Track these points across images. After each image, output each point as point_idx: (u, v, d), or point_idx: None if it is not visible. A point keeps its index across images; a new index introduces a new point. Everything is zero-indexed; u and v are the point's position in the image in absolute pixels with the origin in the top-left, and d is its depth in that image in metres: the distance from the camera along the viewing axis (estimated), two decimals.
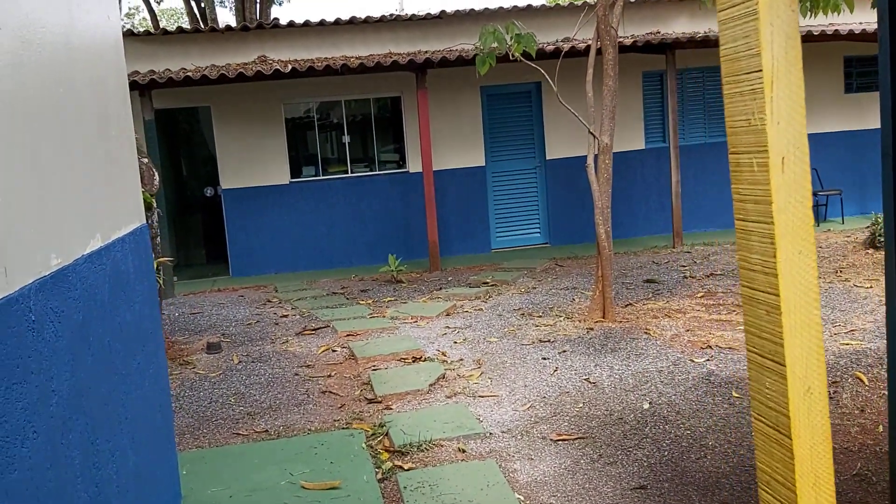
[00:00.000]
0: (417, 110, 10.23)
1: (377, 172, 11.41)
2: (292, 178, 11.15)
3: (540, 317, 7.28)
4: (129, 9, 35.66)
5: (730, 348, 5.80)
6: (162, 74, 9.53)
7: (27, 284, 2.03)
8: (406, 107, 11.29)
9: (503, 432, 4.57)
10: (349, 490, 3.92)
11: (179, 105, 11.13)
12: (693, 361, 5.56)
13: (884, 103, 2.78)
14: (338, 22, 10.86)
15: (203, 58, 10.82)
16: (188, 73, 9.53)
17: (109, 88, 3.35)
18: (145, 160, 6.53)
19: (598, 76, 7.08)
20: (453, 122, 11.40)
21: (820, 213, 11.97)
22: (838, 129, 12.43)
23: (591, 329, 6.63)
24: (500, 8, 11.36)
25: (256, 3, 19.47)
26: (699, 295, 7.72)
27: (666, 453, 4.15)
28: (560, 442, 4.38)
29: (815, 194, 11.86)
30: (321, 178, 11.24)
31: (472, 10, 11.11)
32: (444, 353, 6.23)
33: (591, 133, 6.97)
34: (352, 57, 10.40)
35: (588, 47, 9.99)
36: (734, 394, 4.90)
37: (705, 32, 10.82)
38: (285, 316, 8.12)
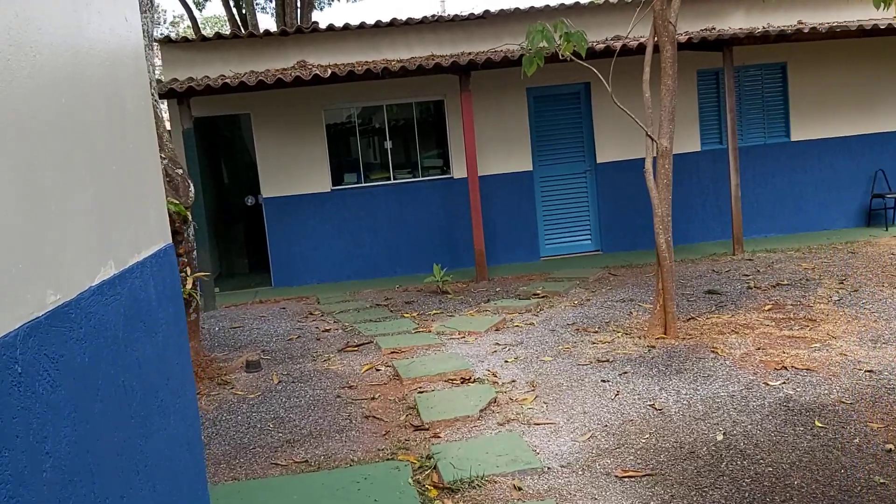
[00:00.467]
0: (461, 114, 9.86)
1: (420, 179, 11.07)
2: (334, 185, 10.87)
3: (596, 332, 6.84)
4: (174, 17, 36.05)
5: (807, 370, 5.30)
6: (200, 82, 9.32)
7: (11, 331, 1.70)
8: (449, 110, 10.93)
9: (562, 467, 4.16)
10: None
11: (219, 112, 10.93)
12: (767, 385, 5.08)
13: None
14: (378, 25, 10.56)
15: (242, 64, 10.62)
16: (226, 80, 9.31)
17: (127, 98, 3.04)
18: (180, 171, 6.27)
19: (654, 75, 6.63)
20: (498, 125, 11.01)
21: (888, 216, 11.29)
22: None
23: (653, 347, 6.17)
24: (547, 6, 10.94)
25: (297, 8, 19.35)
26: (766, 307, 7.20)
27: (747, 494, 3.70)
28: (626, 479, 3.96)
29: (882, 197, 11.21)
30: (363, 185, 10.94)
31: (517, 8, 10.72)
32: (494, 374, 5.84)
33: (649, 136, 6.52)
34: (393, 60, 10.09)
35: (641, 45, 9.56)
36: (817, 423, 4.41)
37: (764, 28, 10.26)
38: (327, 330, 7.81)
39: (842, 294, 7.45)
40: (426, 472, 4.21)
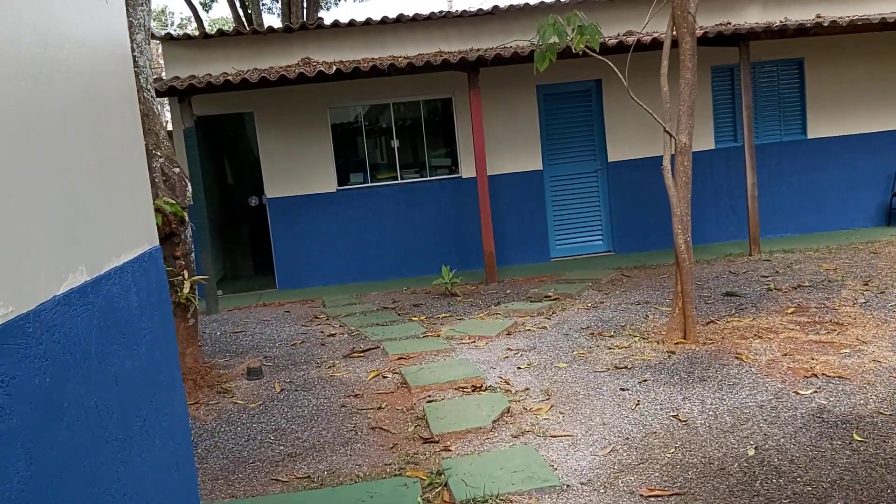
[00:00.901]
0: (470, 112, 9.58)
1: (428, 178, 10.80)
2: (340, 185, 10.60)
3: (612, 337, 6.55)
4: (182, 19, 35.90)
5: (839, 377, 5.00)
6: (201, 79, 9.07)
7: None
8: (458, 109, 10.66)
9: (582, 484, 3.87)
10: None
11: (222, 111, 10.67)
12: (798, 394, 4.78)
13: None
14: (384, 21, 10.28)
15: (245, 61, 10.36)
16: (228, 78, 9.05)
17: (108, 88, 2.77)
18: (177, 170, 6.01)
19: (671, 70, 6.34)
20: (508, 123, 10.73)
21: None
22: None
23: (673, 352, 5.87)
24: (557, 1, 10.64)
25: (303, 8, 19.12)
26: (789, 311, 6.89)
27: None
28: (652, 499, 3.67)
29: None
30: (370, 184, 10.68)
31: (527, 4, 10.43)
32: (507, 381, 5.55)
33: (668, 132, 6.22)
34: (399, 57, 9.81)
35: (655, 41, 9.25)
36: (856, 437, 4.11)
37: (781, 22, 9.94)
38: (332, 335, 7.54)
39: (868, 296, 7.13)
40: (436, 490, 3.93)
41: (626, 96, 10.64)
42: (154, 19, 32.99)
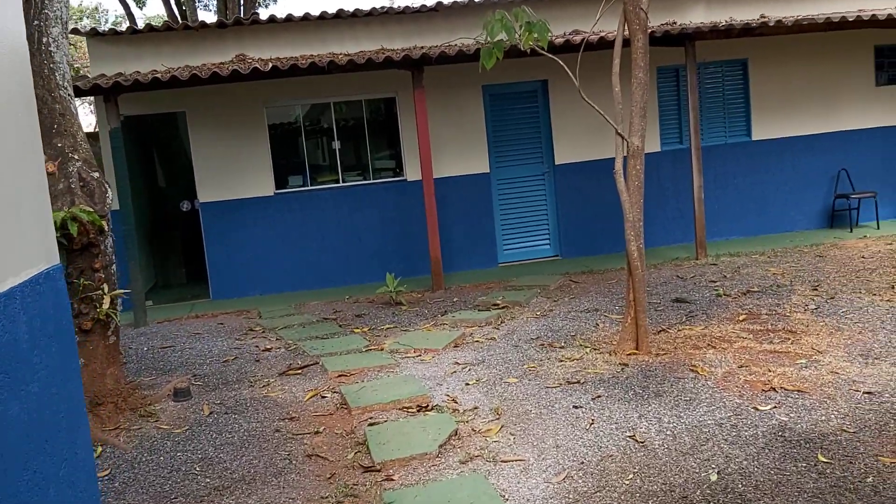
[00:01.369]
0: (414, 112, 9.24)
1: (371, 181, 10.42)
2: (277, 189, 10.15)
3: (562, 348, 6.28)
4: (117, 17, 34.69)
5: (798, 391, 4.81)
6: (128, 77, 8.53)
7: None
8: (402, 109, 10.30)
9: None
10: None
11: (153, 111, 10.12)
12: (757, 410, 4.57)
13: None
14: (323, 17, 9.87)
15: (176, 58, 9.83)
16: (157, 75, 8.53)
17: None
18: (96, 175, 5.53)
19: (622, 69, 6.10)
20: (454, 124, 10.42)
21: (852, 217, 11.01)
22: (869, 125, 11.47)
23: (626, 365, 5.63)
24: None
25: (240, 5, 18.54)
26: (741, 318, 6.73)
27: None
28: None
29: (846, 197, 10.94)
30: (309, 188, 10.24)
31: (472, 0, 10.12)
32: (454, 400, 5.23)
33: (619, 134, 5.98)
34: (340, 54, 9.41)
35: (602, 39, 9.05)
36: (821, 458, 3.91)
37: (727, 21, 9.85)
38: (268, 349, 7.11)
39: (818, 302, 7.03)
40: None
41: (573, 97, 10.45)
42: (87, 17, 31.78)
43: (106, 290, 5.43)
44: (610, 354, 5.94)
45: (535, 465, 4.13)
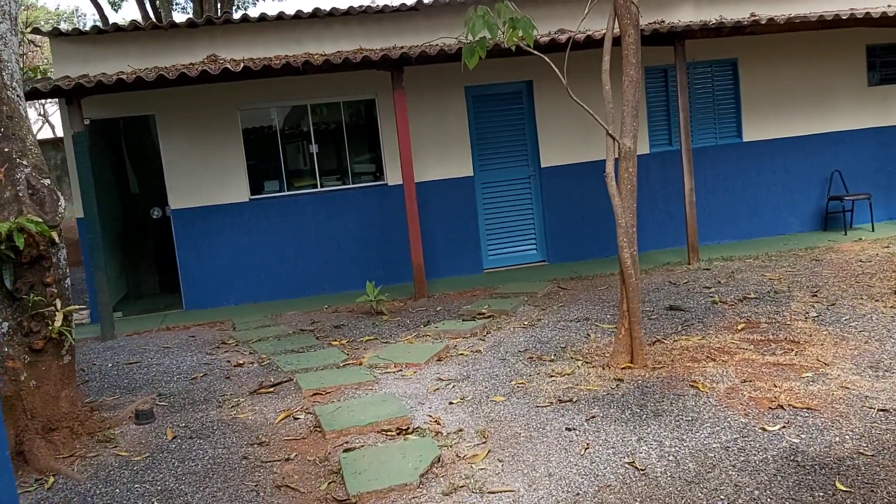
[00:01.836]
0: (395, 114, 8.87)
1: (351, 186, 10.03)
2: (252, 194, 9.74)
3: (552, 361, 5.91)
4: (95, 21, 34.13)
5: (808, 409, 4.46)
6: (91, 79, 8.10)
7: None
8: (382, 111, 9.92)
9: None
10: None
11: (121, 114, 9.69)
12: (765, 430, 4.22)
13: None
14: (299, 16, 9.47)
15: (145, 59, 9.40)
16: (122, 77, 8.11)
17: None
18: (47, 182, 5.11)
19: (612, 67, 5.76)
20: (436, 127, 10.05)
21: (846, 219, 10.73)
22: (861, 125, 11.21)
23: (621, 380, 5.27)
24: None
25: (217, 7, 18.11)
26: (739, 327, 6.39)
27: None
28: None
29: (839, 199, 10.67)
30: (286, 193, 9.84)
31: None
32: (437, 421, 4.84)
33: (610, 135, 5.63)
34: (316, 54, 9.02)
35: (589, 38, 8.73)
36: (839, 485, 3.55)
37: (717, 20, 9.54)
38: (240, 365, 6.70)
39: (819, 309, 6.71)
40: None
41: (558, 98, 10.14)
42: (64, 21, 31.20)
43: (59, 305, 5.01)
44: (603, 368, 5.58)
45: (525, 496, 3.75)
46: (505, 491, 3.82)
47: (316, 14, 9.47)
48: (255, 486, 4.18)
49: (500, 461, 4.17)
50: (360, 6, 9.58)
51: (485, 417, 4.82)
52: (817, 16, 9.11)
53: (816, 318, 6.42)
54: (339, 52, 9.15)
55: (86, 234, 8.54)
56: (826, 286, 7.54)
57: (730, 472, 3.77)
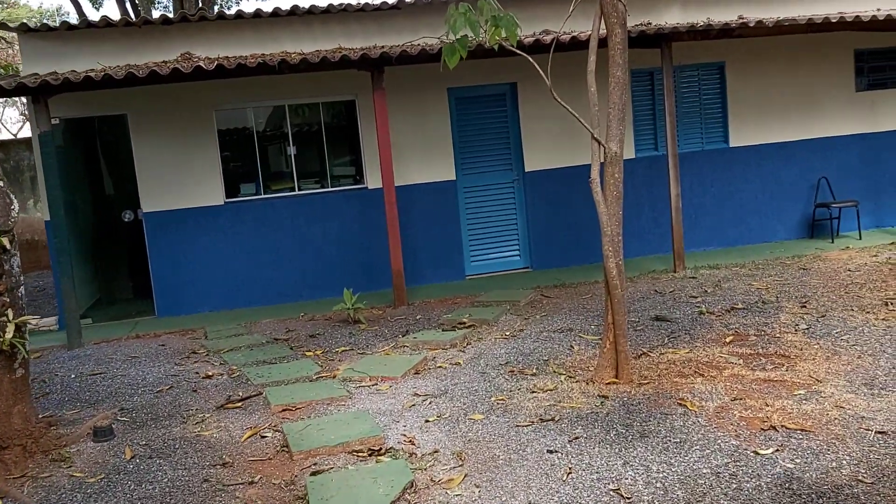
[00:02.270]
0: (375, 116, 8.61)
1: (330, 189, 9.75)
2: (228, 197, 9.44)
3: (534, 375, 5.67)
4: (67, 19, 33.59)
5: (802, 430, 4.24)
6: (59, 76, 7.79)
7: None
8: (362, 112, 9.66)
9: None
10: None
11: (92, 113, 9.38)
12: (758, 454, 3.99)
13: None
14: (277, 14, 9.19)
15: (118, 57, 9.09)
16: (90, 74, 7.80)
17: None
18: (0, 184, 4.81)
19: (597, 69, 5.53)
20: (417, 129, 9.79)
21: (833, 227, 10.57)
22: (849, 132, 11.06)
23: (605, 397, 5.03)
24: None
25: (199, 3, 17.77)
26: (728, 339, 6.18)
27: None
28: None
29: (826, 206, 10.51)
30: (263, 196, 9.55)
31: None
32: (411, 441, 4.59)
33: (596, 139, 5.40)
34: (293, 53, 8.74)
35: (574, 39, 8.51)
36: None
37: (705, 22, 9.34)
38: (209, 376, 6.41)
39: (809, 321, 6.51)
40: None
41: (543, 101, 9.85)
42: (47, 19, 30.71)
43: (11, 316, 4.72)
44: (587, 383, 5.35)
45: None
46: None
47: (294, 12, 9.19)
48: None
49: (478, 486, 3.92)
50: (341, 4, 9.31)
51: (462, 437, 4.57)
52: (806, 19, 8.93)
53: (807, 331, 6.22)
54: (317, 51, 8.87)
55: (53, 238, 8.22)
56: (815, 297, 7.35)
57: (721, 502, 3.54)
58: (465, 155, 10.06)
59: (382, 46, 8.83)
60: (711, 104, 10.80)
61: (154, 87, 8.68)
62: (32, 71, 8.82)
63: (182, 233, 9.27)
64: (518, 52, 5.50)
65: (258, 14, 9.14)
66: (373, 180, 9.65)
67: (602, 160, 5.46)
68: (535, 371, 5.78)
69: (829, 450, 3.97)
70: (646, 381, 5.29)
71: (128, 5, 19.51)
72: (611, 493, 3.72)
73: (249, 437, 4.91)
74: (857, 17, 8.96)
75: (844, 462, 3.82)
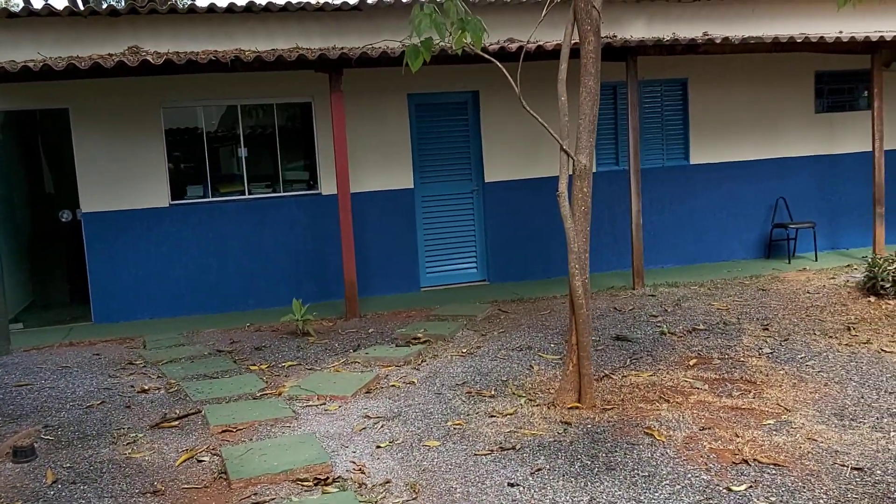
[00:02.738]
0: (332, 119, 8.27)
1: (282, 194, 9.37)
2: (173, 199, 8.98)
3: (493, 397, 5.39)
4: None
5: (774, 464, 4.03)
6: None
7: None
8: (318, 115, 9.30)
9: None
10: None
11: (32, 106, 8.86)
12: (731, 491, 3.77)
13: None
14: (231, 9, 8.79)
15: (62, 48, 8.57)
16: (28, 65, 7.31)
17: None
18: None
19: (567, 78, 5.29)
20: (375, 135, 9.47)
21: (790, 247, 10.55)
22: (808, 153, 11.07)
23: (568, 424, 4.78)
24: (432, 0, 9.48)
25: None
26: (691, 362, 6.00)
27: None
28: None
29: (784, 227, 10.48)
30: (211, 199, 9.11)
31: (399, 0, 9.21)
32: (361, 469, 4.26)
33: (565, 151, 5.16)
34: (248, 51, 8.36)
35: (540, 48, 8.28)
36: None
37: (671, 37, 9.23)
38: (145, 391, 5.98)
39: (772, 345, 6.36)
40: None
41: (506, 111, 9.68)
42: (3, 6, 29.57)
43: None
44: (549, 408, 5.09)
45: None
46: None
47: (250, 9, 8.80)
48: None
49: None
50: (299, 3, 8.94)
51: (416, 466, 4.26)
52: (771, 38, 8.87)
53: (771, 355, 6.06)
54: (273, 49, 8.50)
55: None
56: (776, 319, 7.23)
57: None
58: (424, 163, 9.77)
59: (342, 48, 8.50)
60: (673, 120, 10.71)
61: (99, 81, 8.23)
62: None
63: (123, 235, 8.78)
64: (488, 56, 5.26)
65: (212, 9, 8.74)
66: (327, 186, 9.30)
67: (570, 173, 5.22)
68: (493, 393, 5.50)
69: (804, 487, 3.76)
70: (609, 407, 5.05)
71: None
72: None
73: (185, 461, 4.52)
74: (822, 38, 8.93)
75: (822, 501, 3.62)
